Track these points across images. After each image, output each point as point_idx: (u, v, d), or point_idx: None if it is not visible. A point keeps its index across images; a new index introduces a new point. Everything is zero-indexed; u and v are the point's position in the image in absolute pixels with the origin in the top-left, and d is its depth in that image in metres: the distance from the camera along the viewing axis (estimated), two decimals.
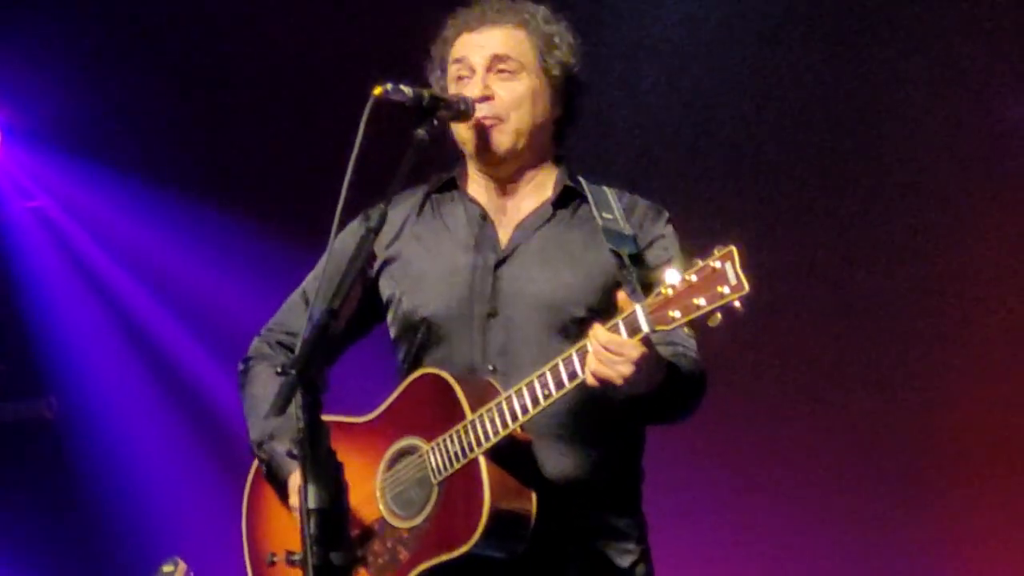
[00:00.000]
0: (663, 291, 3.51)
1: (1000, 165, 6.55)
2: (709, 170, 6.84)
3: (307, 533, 3.26)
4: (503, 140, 3.98)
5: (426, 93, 3.86)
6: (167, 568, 5.65)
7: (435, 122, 3.84)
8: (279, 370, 3.42)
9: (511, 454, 3.77)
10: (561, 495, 3.84)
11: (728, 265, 3.44)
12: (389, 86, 3.79)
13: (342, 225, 3.87)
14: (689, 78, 6.85)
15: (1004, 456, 6.46)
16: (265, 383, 4.13)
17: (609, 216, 3.91)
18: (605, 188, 4.02)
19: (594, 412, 3.86)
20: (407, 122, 3.87)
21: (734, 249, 3.46)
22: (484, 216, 4.04)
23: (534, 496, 3.77)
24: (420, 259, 4.05)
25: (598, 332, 3.59)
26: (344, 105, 3.82)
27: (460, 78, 4.02)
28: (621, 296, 3.61)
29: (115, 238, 7.67)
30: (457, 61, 4.03)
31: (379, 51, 6.86)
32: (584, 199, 3.99)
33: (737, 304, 3.44)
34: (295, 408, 3.57)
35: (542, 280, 3.92)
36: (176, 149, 7.49)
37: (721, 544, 6.74)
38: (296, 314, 4.19)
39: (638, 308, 3.55)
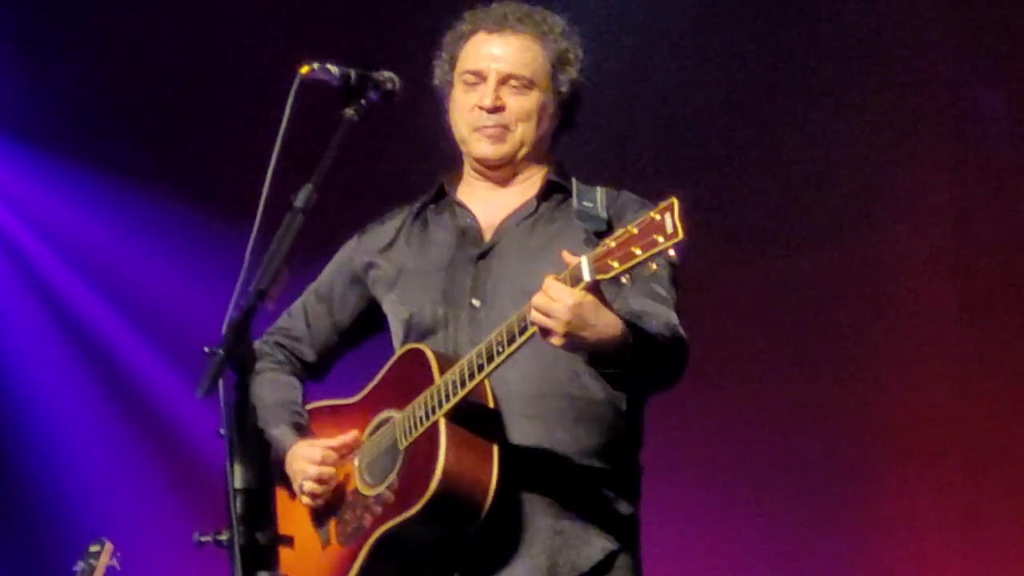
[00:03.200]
0: (607, 243, 3.57)
1: (938, 145, 6.60)
2: (640, 152, 6.85)
3: (233, 513, 3.26)
4: (505, 149, 4.08)
5: (353, 72, 3.86)
6: (94, 548, 5.64)
7: (363, 102, 3.84)
8: (207, 349, 3.41)
9: (476, 421, 3.81)
10: (538, 475, 3.87)
11: (667, 215, 3.49)
12: (316, 65, 3.79)
13: (269, 213, 3.87)
14: (618, 59, 6.85)
15: (940, 438, 6.51)
16: (262, 382, 4.19)
17: (589, 204, 3.96)
18: (597, 188, 4.07)
19: (580, 388, 3.92)
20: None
21: (675, 200, 3.51)
22: (472, 218, 4.12)
23: (496, 464, 3.79)
24: (407, 260, 4.14)
25: (544, 280, 3.65)
26: (284, 86, 3.81)
27: (470, 84, 4.10)
28: (566, 254, 3.68)
29: (45, 221, 7.61)
30: (472, 71, 4.10)
31: (321, 31, 6.88)
32: (569, 193, 4.04)
33: (672, 253, 3.50)
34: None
35: (522, 271, 3.97)
36: (109, 132, 7.43)
37: (669, 527, 6.75)
38: (296, 319, 4.31)
39: (583, 259, 3.60)
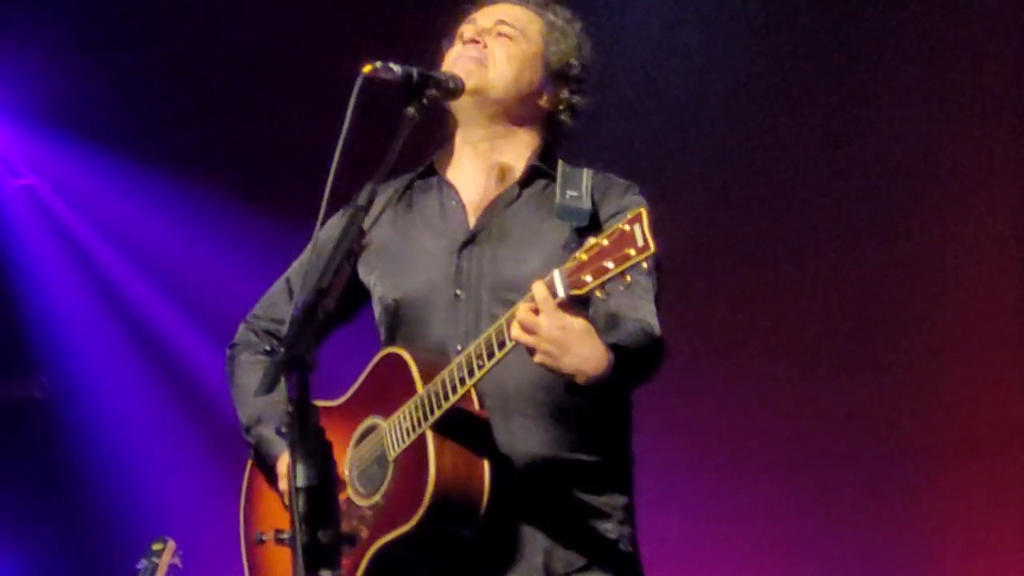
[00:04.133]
0: (579, 256, 3.50)
1: (987, 144, 6.56)
2: (692, 151, 6.84)
3: (295, 511, 3.26)
4: (476, 78, 3.99)
5: (415, 71, 3.86)
6: (156, 546, 5.67)
7: (424, 100, 3.84)
8: (268, 349, 3.42)
9: (463, 429, 3.76)
10: (529, 474, 3.84)
11: (637, 227, 3.42)
12: (378, 64, 3.79)
13: (331, 210, 3.87)
14: (670, 59, 6.85)
15: (1001, 437, 6.48)
16: (249, 371, 4.16)
17: (574, 194, 3.88)
18: (584, 170, 3.99)
19: (565, 389, 3.81)
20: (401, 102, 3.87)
21: (643, 211, 3.44)
22: (457, 199, 4.06)
23: (487, 471, 3.76)
24: (393, 243, 4.08)
25: (533, 289, 3.58)
26: (338, 84, 3.82)
27: (463, 34, 4.08)
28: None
29: (104, 216, 7.67)
30: (467, 21, 4.11)
31: (374, 29, 6.90)
32: (553, 179, 3.98)
33: (644, 265, 3.44)
34: (283, 387, 3.65)
35: (503, 260, 3.93)
36: (166, 128, 7.48)
37: (703, 523, 6.74)
38: (280, 301, 4.22)
39: (556, 273, 3.53)
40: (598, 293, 3.50)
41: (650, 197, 4.02)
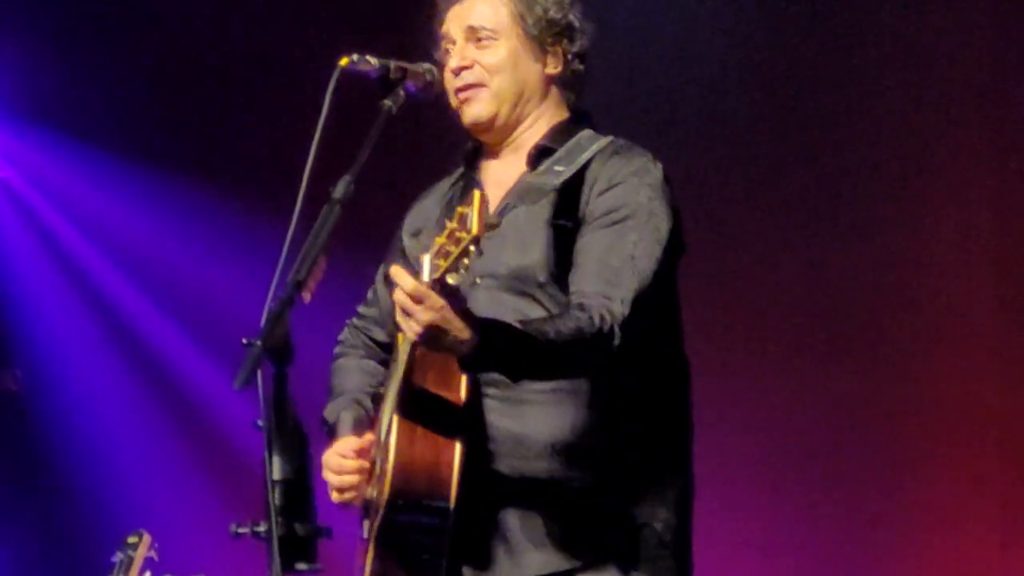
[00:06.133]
0: (437, 240, 3.51)
1: (978, 138, 6.57)
2: (669, 145, 6.81)
3: (271, 504, 3.26)
4: (484, 108, 3.96)
5: (392, 64, 3.86)
6: (132, 540, 5.64)
7: (402, 93, 3.84)
8: (245, 341, 3.43)
9: (435, 415, 3.75)
10: (544, 460, 3.81)
11: (469, 209, 3.41)
12: (355, 56, 3.79)
13: (307, 203, 3.86)
14: (659, 51, 6.84)
15: (977, 432, 6.50)
16: (334, 370, 4.22)
17: (560, 169, 3.82)
18: (599, 141, 3.92)
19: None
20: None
21: (477, 193, 3.43)
22: (483, 192, 4.05)
23: (457, 457, 3.72)
24: (431, 242, 4.07)
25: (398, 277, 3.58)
26: (319, 77, 3.82)
27: (446, 51, 4.02)
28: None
29: (80, 210, 7.62)
30: (443, 36, 4.04)
31: (355, 24, 6.89)
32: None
33: (472, 248, 3.42)
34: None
35: (512, 248, 3.89)
36: (144, 121, 7.45)
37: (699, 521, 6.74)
38: (370, 302, 4.24)
39: (425, 258, 3.55)
40: (450, 279, 3.47)
41: None
